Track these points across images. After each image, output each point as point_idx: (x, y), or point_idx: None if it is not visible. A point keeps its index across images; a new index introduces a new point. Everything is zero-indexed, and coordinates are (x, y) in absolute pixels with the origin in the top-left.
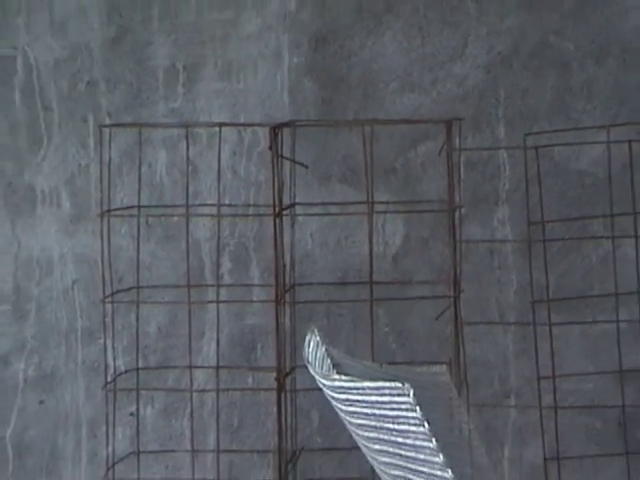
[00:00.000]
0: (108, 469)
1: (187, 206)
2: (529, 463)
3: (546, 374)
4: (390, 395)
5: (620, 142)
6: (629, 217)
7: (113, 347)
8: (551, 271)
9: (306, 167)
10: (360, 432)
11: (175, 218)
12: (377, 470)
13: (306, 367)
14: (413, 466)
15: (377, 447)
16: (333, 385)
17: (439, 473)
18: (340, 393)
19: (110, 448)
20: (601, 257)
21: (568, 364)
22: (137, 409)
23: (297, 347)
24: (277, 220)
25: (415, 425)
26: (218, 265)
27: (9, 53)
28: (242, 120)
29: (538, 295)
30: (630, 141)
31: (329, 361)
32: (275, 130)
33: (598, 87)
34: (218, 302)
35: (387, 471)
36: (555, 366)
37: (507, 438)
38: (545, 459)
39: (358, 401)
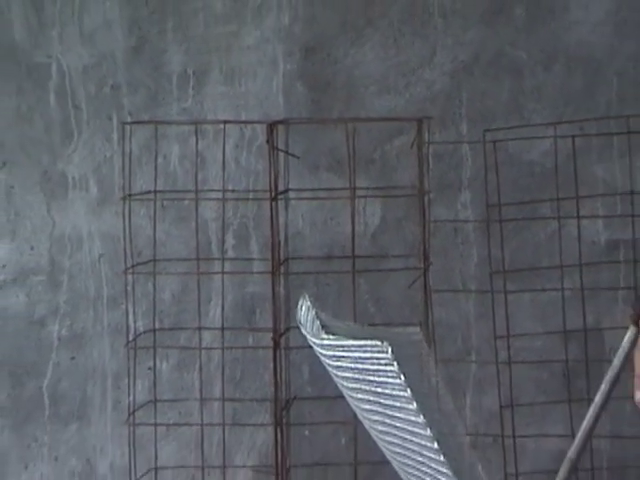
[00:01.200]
0: (129, 415)
1: (196, 191)
2: (487, 410)
3: (502, 334)
4: (371, 352)
5: (565, 137)
6: (572, 200)
7: (134, 311)
8: (506, 247)
9: (298, 158)
10: (345, 384)
11: (186, 202)
12: (359, 416)
13: (298, 328)
14: (390, 412)
15: (360, 396)
16: (322, 343)
17: (413, 418)
18: (328, 350)
19: (131, 397)
20: (549, 235)
21: (520, 325)
22: (154, 364)
23: (290, 311)
24: (273, 203)
25: (392, 377)
26: (223, 242)
27: (45, 61)
28: (243, 118)
29: (495, 267)
30: (573, 136)
31: (318, 323)
32: (271, 127)
33: (546, 90)
34: (223, 273)
35: (368, 417)
36: (509, 327)
37: (469, 388)
38: (501, 406)
39: (343, 357)
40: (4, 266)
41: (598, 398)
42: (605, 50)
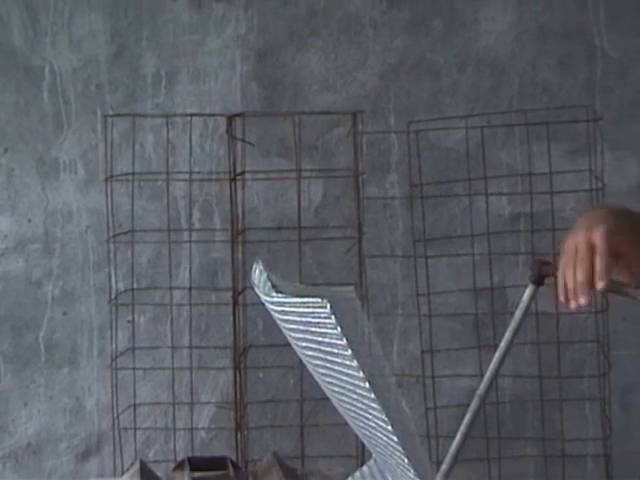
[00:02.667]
0: (112, 360)
1: (168, 173)
2: (411, 354)
3: (423, 292)
4: (313, 307)
5: (475, 127)
6: (481, 180)
7: (115, 274)
8: (427, 219)
9: (253, 145)
10: (292, 334)
11: (159, 182)
12: (304, 361)
13: (253, 288)
14: (329, 357)
15: (304, 344)
16: (272, 301)
17: (348, 362)
18: (277, 306)
19: (114, 346)
20: (462, 209)
21: (439, 285)
22: (133, 318)
23: (247, 274)
24: (232, 183)
25: (331, 329)
26: (190, 215)
27: (39, 63)
28: (207, 111)
29: (418, 236)
30: (482, 127)
31: (269, 284)
32: (230, 119)
33: (460, 88)
34: (190, 242)
35: (311, 362)
36: (429, 286)
37: (395, 337)
38: (422, 351)
39: (290, 312)
40: (6, 236)
41: (502, 344)
42: (508, 55)
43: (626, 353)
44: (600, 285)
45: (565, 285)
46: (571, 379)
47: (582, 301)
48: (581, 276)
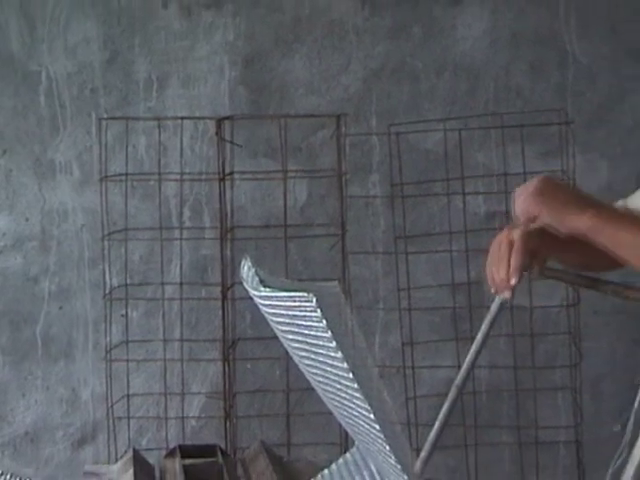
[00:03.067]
0: (106, 353)
1: (159, 174)
2: (391, 346)
3: (403, 287)
4: (299, 301)
5: (453, 130)
6: (459, 180)
7: (109, 270)
8: (407, 217)
9: (240, 147)
10: (279, 327)
11: (151, 182)
12: (290, 353)
13: (242, 283)
14: (315, 349)
15: (290, 337)
16: (260, 295)
17: (332, 354)
18: (265, 300)
19: (108, 339)
20: (440, 207)
21: (418, 280)
22: (126, 312)
23: (235, 269)
24: (221, 183)
25: (316, 322)
26: (181, 214)
27: (36, 69)
28: (197, 115)
29: (398, 233)
30: (460, 129)
31: (257, 278)
32: (219, 122)
33: (438, 93)
34: (181, 239)
35: (297, 353)
36: (409, 281)
37: (377, 330)
38: (402, 344)
39: (277, 305)
40: (4, 234)
41: (479, 336)
42: (483, 60)
43: (596, 345)
44: (513, 281)
45: (492, 278)
46: (544, 370)
47: (506, 295)
48: (502, 272)
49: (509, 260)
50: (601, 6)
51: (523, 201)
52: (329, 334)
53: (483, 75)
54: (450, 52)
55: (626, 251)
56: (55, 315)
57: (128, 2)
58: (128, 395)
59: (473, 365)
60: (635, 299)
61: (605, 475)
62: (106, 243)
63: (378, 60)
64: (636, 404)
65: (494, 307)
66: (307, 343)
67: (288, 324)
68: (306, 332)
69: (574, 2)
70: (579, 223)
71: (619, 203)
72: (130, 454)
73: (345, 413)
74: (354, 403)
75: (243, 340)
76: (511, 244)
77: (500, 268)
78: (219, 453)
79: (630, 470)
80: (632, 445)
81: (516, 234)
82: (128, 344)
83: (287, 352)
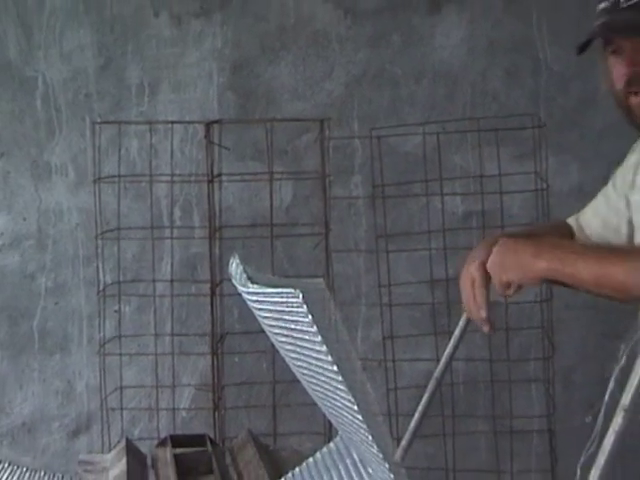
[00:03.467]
0: (100, 347)
1: (151, 175)
2: (373, 340)
3: (384, 283)
4: (286, 297)
5: (431, 134)
6: (437, 182)
7: (103, 268)
8: (388, 217)
9: (228, 149)
10: (266, 322)
11: (143, 183)
12: (277, 346)
13: (230, 280)
14: (300, 343)
15: (277, 331)
16: (248, 291)
17: (317, 347)
18: (253, 296)
19: (102, 333)
20: (420, 207)
21: (399, 277)
22: (119, 308)
23: (224, 267)
24: (210, 185)
25: (302, 317)
26: (172, 214)
27: (33, 75)
28: (187, 119)
29: (380, 232)
30: (438, 133)
31: (245, 275)
32: (208, 125)
33: (417, 98)
34: (172, 238)
35: (283, 347)
36: (390, 278)
37: (359, 324)
38: (384, 337)
39: (264, 301)
40: (2, 233)
41: (457, 331)
42: (461, 67)
43: (568, 338)
44: (482, 314)
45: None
46: (518, 362)
47: (485, 329)
48: (474, 311)
49: (474, 296)
50: (572, 16)
51: (491, 272)
52: (314, 329)
53: (460, 81)
54: (429, 59)
55: (594, 286)
56: (51, 310)
57: (121, 11)
58: (121, 387)
59: (451, 358)
60: (604, 295)
61: (576, 462)
62: (100, 242)
63: (359, 67)
64: (606, 397)
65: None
66: (293, 337)
67: (275, 319)
68: (292, 327)
69: (546, 12)
70: (538, 271)
71: (570, 220)
72: (123, 444)
73: (329, 404)
74: (338, 395)
75: (231, 334)
76: (473, 280)
77: (472, 307)
78: (208, 442)
79: (601, 460)
80: (602, 436)
81: (473, 268)
82: (121, 338)
83: (273, 346)
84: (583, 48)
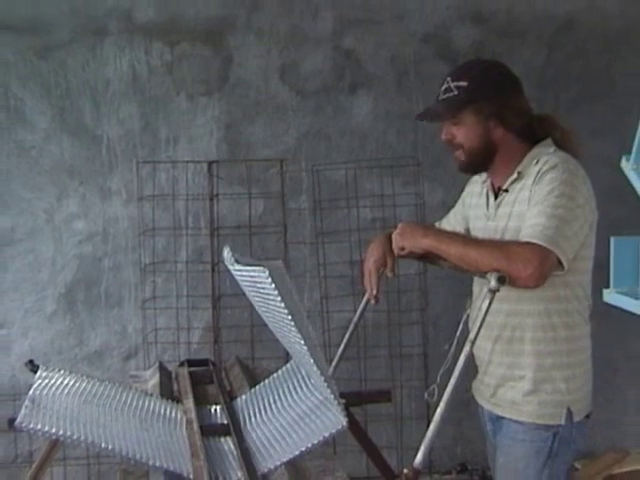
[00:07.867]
0: (142, 303)
1: (173, 195)
2: (315, 300)
3: (322, 263)
4: (259, 273)
5: (351, 169)
6: (354, 199)
7: (143, 254)
8: (324, 221)
9: (222, 179)
10: (247, 289)
11: (168, 200)
12: (254, 305)
13: (224, 262)
14: (268, 302)
15: (253, 294)
16: (235, 269)
17: (279, 304)
18: (237, 272)
19: (143, 295)
20: (344, 215)
21: (330, 259)
22: (154, 279)
23: (220, 253)
24: (211, 201)
25: (268, 285)
26: (187, 219)
27: (100, 133)
28: (196, 159)
29: (318, 231)
30: (355, 169)
31: (233, 259)
32: (210, 164)
33: (342, 147)
34: (187, 235)
35: (258, 305)
36: (325, 260)
37: (305, 290)
38: (321, 298)
39: (245, 275)
40: (81, 232)
41: (364, 300)
42: (370, 128)
43: (436, 297)
44: (374, 292)
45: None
46: (405, 312)
47: (373, 302)
48: (369, 290)
49: (370, 281)
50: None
51: (394, 239)
52: (276, 292)
53: (369, 136)
54: (349, 123)
55: (456, 260)
56: (112, 280)
57: (155, 92)
58: (156, 329)
59: (364, 309)
60: (450, 267)
61: (438, 372)
62: (141, 237)
63: (305, 127)
64: (458, 333)
65: (374, 277)
66: (263, 298)
67: (252, 286)
68: (265, 296)
69: (422, 93)
70: (424, 244)
71: (436, 224)
72: (157, 365)
73: (287, 340)
74: (292, 334)
75: (225, 296)
76: (369, 272)
77: (367, 285)
78: (211, 364)
79: (456, 371)
80: (455, 358)
81: (370, 264)
82: (155, 299)
83: (252, 304)
84: (421, 119)
